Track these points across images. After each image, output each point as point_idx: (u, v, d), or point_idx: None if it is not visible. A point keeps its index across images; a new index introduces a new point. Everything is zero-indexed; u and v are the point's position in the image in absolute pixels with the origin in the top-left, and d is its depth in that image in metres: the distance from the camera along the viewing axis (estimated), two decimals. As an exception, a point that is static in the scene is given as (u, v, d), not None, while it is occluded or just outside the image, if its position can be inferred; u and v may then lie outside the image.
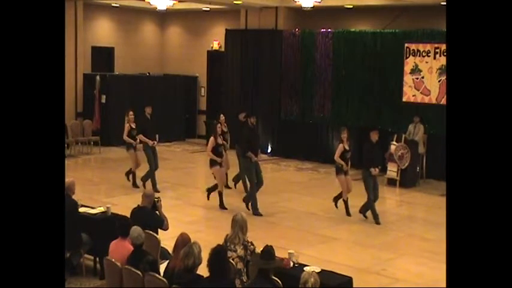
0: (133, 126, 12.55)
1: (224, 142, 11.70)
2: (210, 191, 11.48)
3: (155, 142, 12.50)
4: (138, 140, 12.53)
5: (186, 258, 5.42)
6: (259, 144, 11.50)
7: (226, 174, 12.45)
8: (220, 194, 11.30)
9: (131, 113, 12.62)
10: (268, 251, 5.52)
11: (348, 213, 11.03)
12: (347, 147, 10.86)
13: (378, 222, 10.61)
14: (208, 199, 11.47)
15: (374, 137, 10.70)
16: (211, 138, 11.32)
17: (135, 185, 12.69)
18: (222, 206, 11.25)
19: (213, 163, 11.26)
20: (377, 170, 10.58)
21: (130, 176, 12.80)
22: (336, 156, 10.85)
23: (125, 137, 12.56)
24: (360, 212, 10.84)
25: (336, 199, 11.21)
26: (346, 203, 11.08)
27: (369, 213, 10.81)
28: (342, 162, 10.82)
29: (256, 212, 10.86)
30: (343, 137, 10.87)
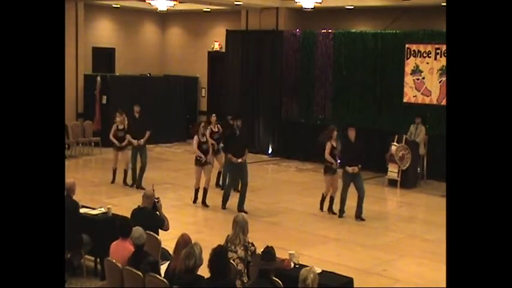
0: (121, 127, 12.88)
1: (213, 142, 12.08)
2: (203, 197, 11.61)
3: (141, 141, 12.69)
4: (126, 141, 12.81)
5: (187, 259, 5.42)
6: (246, 146, 11.49)
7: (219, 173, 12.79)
8: (196, 191, 11.62)
9: (118, 114, 12.94)
10: (269, 251, 5.51)
11: (331, 210, 11.17)
12: (335, 145, 10.88)
13: (340, 216, 10.94)
14: (205, 204, 11.52)
15: (351, 134, 10.77)
16: (195, 137, 11.53)
17: (113, 181, 13.06)
18: (194, 200, 11.65)
19: (196, 161, 11.60)
20: (356, 168, 10.63)
21: (128, 176, 12.97)
22: (326, 154, 10.89)
23: (111, 137, 12.96)
24: (357, 216, 10.86)
25: (322, 204, 11.34)
26: (331, 200, 11.17)
27: (366, 215, 10.83)
28: (332, 161, 10.87)
29: (224, 206, 11.24)
30: (333, 134, 10.87)
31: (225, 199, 11.31)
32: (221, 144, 12.48)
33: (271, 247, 5.60)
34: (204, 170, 11.50)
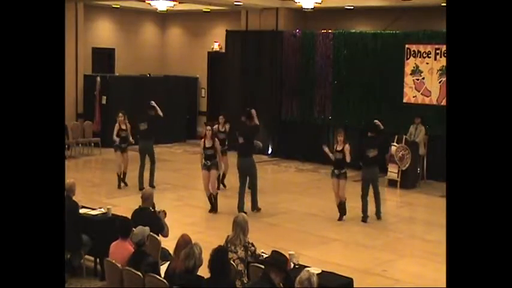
0: (124, 127, 12.65)
1: (218, 146, 11.23)
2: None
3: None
4: (131, 141, 12.67)
5: (187, 260, 5.42)
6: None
7: (224, 175, 12.73)
8: (209, 198, 11.12)
9: (121, 114, 12.68)
10: (278, 259, 5.51)
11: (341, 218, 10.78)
12: (339, 148, 10.51)
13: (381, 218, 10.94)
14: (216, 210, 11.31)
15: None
16: (202, 140, 11.15)
17: (125, 184, 12.77)
18: (211, 209, 11.13)
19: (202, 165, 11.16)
20: None
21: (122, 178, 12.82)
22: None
23: (114, 137, 12.63)
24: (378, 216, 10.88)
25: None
26: (339, 206, 10.78)
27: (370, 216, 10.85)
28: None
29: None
30: (338, 139, 10.57)
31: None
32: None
33: (281, 253, 5.60)
34: (209, 174, 11.09)
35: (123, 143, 12.71)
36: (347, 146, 10.41)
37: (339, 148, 10.49)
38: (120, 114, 12.70)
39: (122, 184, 12.83)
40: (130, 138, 12.77)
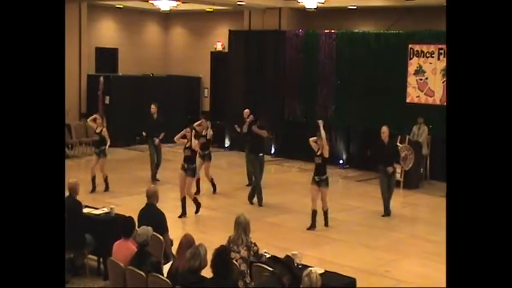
0: (98, 130, 12.39)
1: (195, 147, 10.74)
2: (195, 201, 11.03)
3: (156, 140, 13.28)
4: (108, 145, 12.34)
5: (192, 260, 5.42)
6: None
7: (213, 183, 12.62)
8: (182, 201, 10.77)
9: (97, 116, 12.57)
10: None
11: (312, 226, 10.15)
12: (318, 153, 9.97)
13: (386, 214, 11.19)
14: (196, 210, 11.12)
15: (382, 134, 11.02)
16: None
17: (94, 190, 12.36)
18: (182, 213, 10.76)
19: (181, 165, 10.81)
20: (391, 168, 10.98)
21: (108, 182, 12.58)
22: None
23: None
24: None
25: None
26: (313, 213, 10.16)
27: (368, 215, 10.81)
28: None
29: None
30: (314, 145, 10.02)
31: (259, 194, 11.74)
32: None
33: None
34: (186, 179, 10.71)
35: (96, 146, 12.49)
36: (326, 147, 9.92)
37: (319, 152, 10.00)
38: (98, 117, 12.51)
39: (96, 188, 12.34)
40: (107, 144, 12.36)
